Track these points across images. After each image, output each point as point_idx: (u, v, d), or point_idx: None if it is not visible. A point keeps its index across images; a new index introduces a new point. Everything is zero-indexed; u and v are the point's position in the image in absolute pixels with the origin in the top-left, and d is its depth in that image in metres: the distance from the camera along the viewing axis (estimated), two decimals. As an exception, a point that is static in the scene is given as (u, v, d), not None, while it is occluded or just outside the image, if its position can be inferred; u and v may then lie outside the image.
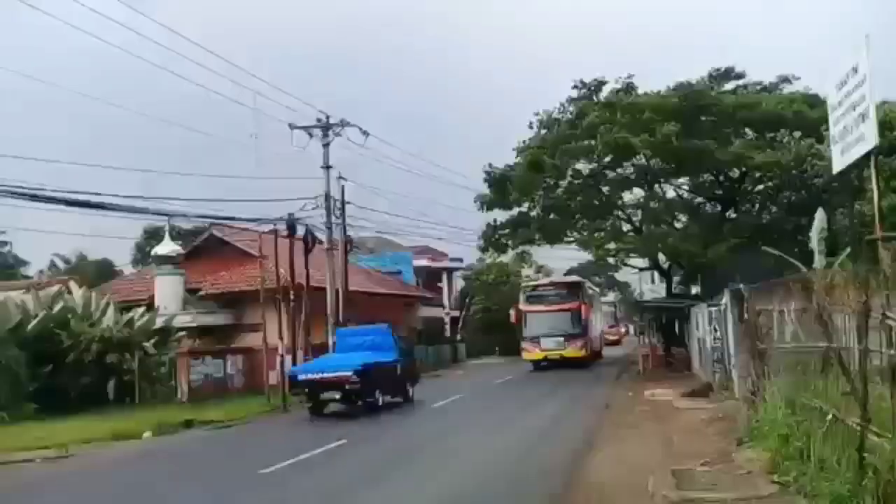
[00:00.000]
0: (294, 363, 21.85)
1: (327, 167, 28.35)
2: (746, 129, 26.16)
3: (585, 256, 39.55)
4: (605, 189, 28.27)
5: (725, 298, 13.12)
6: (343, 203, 28.70)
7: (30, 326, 21.31)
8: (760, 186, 28.23)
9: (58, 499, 10.74)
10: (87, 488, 11.31)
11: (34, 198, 19.46)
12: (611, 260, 34.65)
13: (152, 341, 22.50)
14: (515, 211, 28.03)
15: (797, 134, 23.29)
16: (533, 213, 28.51)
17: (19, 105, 65.62)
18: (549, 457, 11.06)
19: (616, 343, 53.68)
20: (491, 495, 8.82)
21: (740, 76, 28.40)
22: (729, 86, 28.20)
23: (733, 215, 29.51)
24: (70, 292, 24.20)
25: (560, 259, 50.70)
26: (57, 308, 22.52)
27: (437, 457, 11.87)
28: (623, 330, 62.74)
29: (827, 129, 19.25)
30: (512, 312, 35.19)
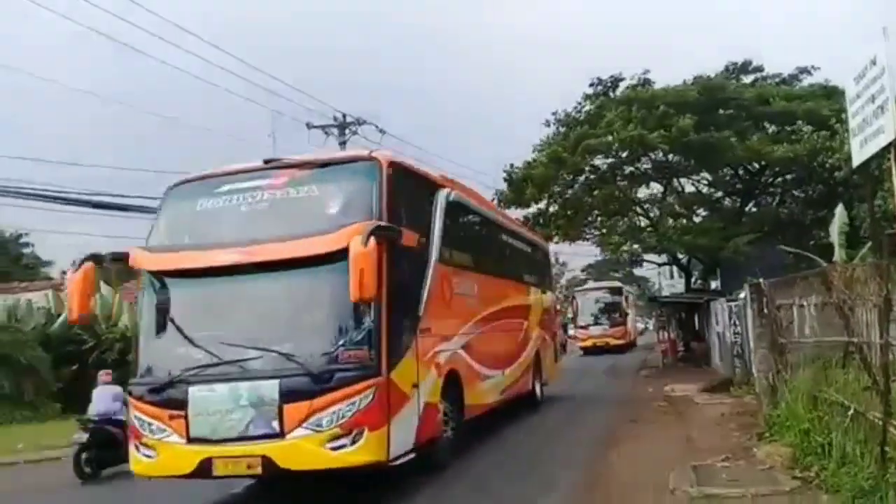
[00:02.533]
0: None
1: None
2: (765, 123, 25.98)
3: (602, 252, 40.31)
4: (621, 184, 28.14)
5: (745, 293, 13.05)
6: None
7: (54, 327, 21.61)
8: (780, 180, 28.01)
9: (86, 494, 10.89)
10: (116, 485, 11.46)
11: (56, 199, 19.73)
12: (625, 255, 34.39)
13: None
14: (533, 208, 27.93)
15: (809, 128, 23.07)
16: (551, 210, 28.43)
17: (43, 106, 66.42)
18: (567, 451, 11.05)
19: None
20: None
21: (758, 69, 28.20)
22: (747, 79, 28.02)
23: (753, 209, 29.33)
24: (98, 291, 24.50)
25: (577, 256, 50.69)
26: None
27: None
28: (642, 325, 62.17)
29: (839, 123, 19.36)
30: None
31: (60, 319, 21.82)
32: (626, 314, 41.31)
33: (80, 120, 72.45)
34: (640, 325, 60.96)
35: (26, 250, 46.14)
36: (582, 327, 40.21)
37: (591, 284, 49.60)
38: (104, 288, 25.48)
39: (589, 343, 38.97)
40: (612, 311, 40.09)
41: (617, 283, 46.48)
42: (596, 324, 39.57)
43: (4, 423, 18.09)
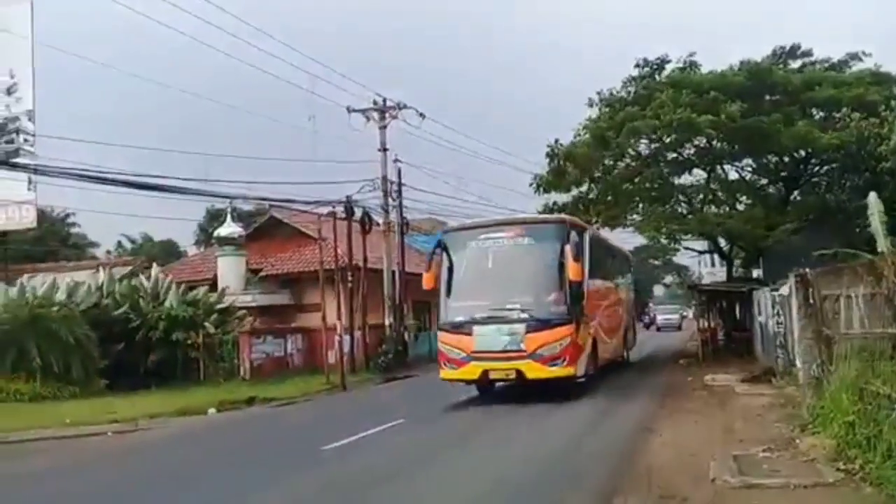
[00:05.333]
0: (352, 343, 22.16)
1: (384, 149, 28.60)
2: (812, 109, 25.41)
3: (642, 240, 39.37)
4: (664, 170, 27.77)
5: (790, 282, 12.83)
6: (399, 185, 28.92)
7: (101, 305, 22.13)
8: (826, 168, 27.41)
9: (131, 467, 11.23)
10: (158, 459, 11.86)
11: (102, 180, 20.12)
12: (663, 240, 33.22)
13: (214, 320, 23.10)
14: (574, 192, 27.67)
15: (857, 115, 22.47)
16: (591, 196, 28.15)
17: (88, 88, 67.61)
18: (606, 441, 11.05)
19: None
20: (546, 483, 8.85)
21: (807, 53, 27.52)
22: (795, 64, 27.39)
23: (798, 197, 28.74)
24: (144, 271, 25.14)
25: (618, 242, 50.20)
26: (127, 288, 23.32)
27: (490, 437, 11.96)
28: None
29: (888, 110, 18.81)
30: None
31: (108, 298, 22.38)
32: (577, 295, 15.76)
33: (122, 100, 73.64)
34: (674, 316, 55.94)
35: (74, 230, 47.19)
36: (451, 330, 15.92)
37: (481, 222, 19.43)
38: (154, 268, 26.08)
39: (457, 375, 15.99)
40: (532, 291, 16.11)
41: (552, 217, 20.43)
42: (487, 320, 15.48)
43: (52, 399, 18.60)
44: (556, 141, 26.60)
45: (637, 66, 27.10)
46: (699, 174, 28.79)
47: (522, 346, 14.72)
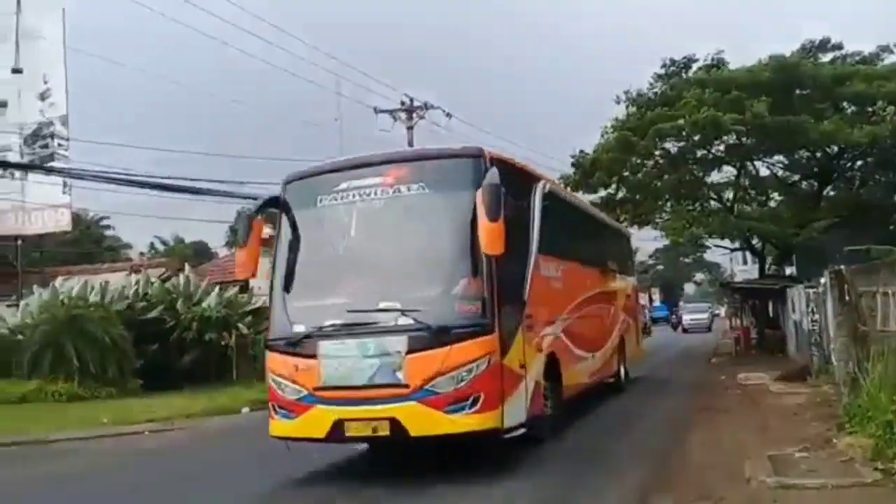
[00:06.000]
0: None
1: (412, 150, 28.70)
2: (843, 103, 25.08)
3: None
4: (693, 168, 27.57)
5: (824, 279, 12.70)
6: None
7: (136, 306, 22.47)
8: (860, 162, 27.03)
9: (170, 465, 11.41)
10: (197, 456, 12.10)
11: (136, 184, 20.47)
12: (682, 241, 32.66)
13: (248, 321, 23.34)
14: (602, 193, 27.61)
15: (892, 108, 22.12)
16: (619, 196, 28.07)
17: (122, 95, 68.65)
18: (641, 439, 11.00)
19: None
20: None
21: (837, 47, 27.18)
22: (825, 57, 27.06)
23: (831, 193, 28.40)
24: (176, 273, 25.49)
25: (646, 241, 49.88)
26: (161, 289, 23.67)
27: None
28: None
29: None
30: None
31: (143, 299, 22.71)
32: (506, 281, 8.83)
33: (155, 105, 74.67)
34: (703, 316, 51.02)
35: (108, 232, 47.99)
36: (284, 350, 9.04)
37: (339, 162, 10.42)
38: (187, 269, 26.45)
39: (292, 431, 9.04)
40: (421, 278, 8.96)
41: (458, 148, 9.44)
42: (342, 331, 8.68)
43: (89, 399, 18.92)
44: (581, 151, 26.77)
45: (664, 65, 27.03)
46: (729, 171, 28.57)
47: (401, 377, 8.18)
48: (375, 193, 9.02)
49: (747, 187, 28.96)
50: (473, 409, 8.12)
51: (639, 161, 26.70)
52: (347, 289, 9.04)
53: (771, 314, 28.23)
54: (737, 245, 34.67)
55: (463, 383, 8.10)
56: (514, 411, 8.76)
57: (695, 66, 26.85)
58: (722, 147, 26.68)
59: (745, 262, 50.78)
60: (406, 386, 8.14)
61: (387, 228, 9.24)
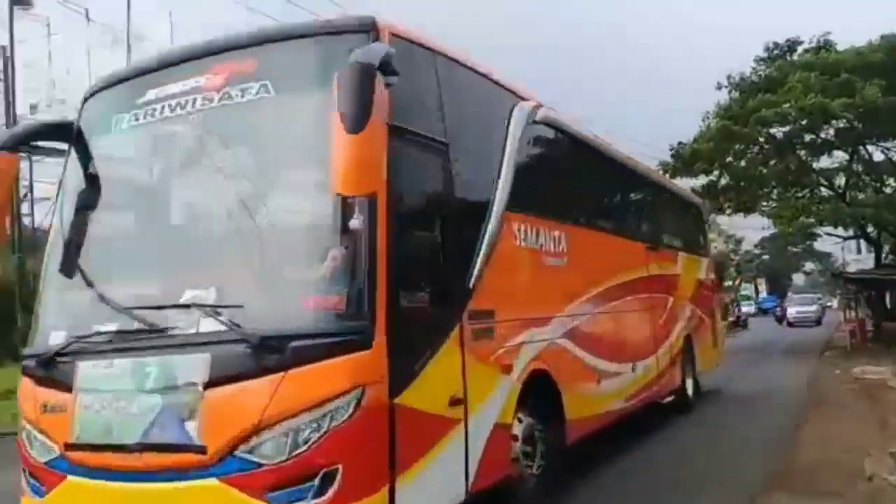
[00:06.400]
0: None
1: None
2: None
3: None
4: (801, 153, 26.61)
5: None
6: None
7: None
8: None
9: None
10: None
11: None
12: (789, 231, 31.27)
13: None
14: (703, 179, 27.03)
15: None
16: (722, 183, 27.41)
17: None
18: (750, 435, 10.79)
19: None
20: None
21: (959, 20, 25.65)
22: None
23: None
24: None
25: (750, 228, 48.30)
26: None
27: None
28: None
29: None
30: None
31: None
32: (407, 251, 4.90)
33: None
34: (810, 308, 46.70)
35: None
36: (35, 375, 5.19)
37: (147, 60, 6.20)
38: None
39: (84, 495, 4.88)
40: (252, 250, 4.68)
41: (325, 23, 5.35)
42: (113, 344, 4.73)
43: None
44: (680, 143, 26.34)
45: (766, 49, 26.26)
46: (840, 156, 27.44)
47: (192, 433, 4.28)
48: (191, 105, 5.03)
49: (861, 173, 27.70)
50: (324, 497, 4.18)
51: (742, 147, 26.01)
52: (136, 270, 5.16)
53: (888, 305, 26.98)
54: (850, 233, 33.15)
55: (306, 446, 4.21)
56: (433, 489, 4.89)
57: (800, 49, 25.93)
58: (832, 131, 25.67)
59: (858, 252, 48.35)
60: (201, 449, 4.26)
61: (202, 164, 5.14)
